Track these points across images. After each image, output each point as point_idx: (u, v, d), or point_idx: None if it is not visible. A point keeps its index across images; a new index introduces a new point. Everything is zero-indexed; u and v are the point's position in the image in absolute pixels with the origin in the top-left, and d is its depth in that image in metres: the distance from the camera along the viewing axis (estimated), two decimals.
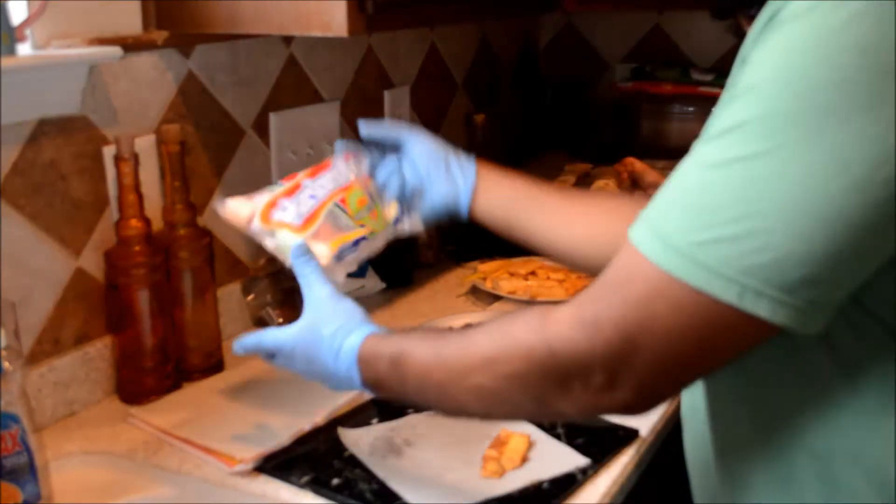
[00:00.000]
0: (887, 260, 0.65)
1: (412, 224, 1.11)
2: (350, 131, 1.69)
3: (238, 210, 1.04)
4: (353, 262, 1.03)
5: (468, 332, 0.81)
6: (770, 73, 0.63)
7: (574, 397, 0.72)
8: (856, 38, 0.60)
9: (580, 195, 1.11)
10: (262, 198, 1.05)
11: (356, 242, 1.02)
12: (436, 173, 1.09)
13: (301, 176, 1.07)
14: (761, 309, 0.63)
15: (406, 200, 1.11)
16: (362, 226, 1.04)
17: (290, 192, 1.04)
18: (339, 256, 1.00)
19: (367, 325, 0.90)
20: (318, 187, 1.04)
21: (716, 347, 0.68)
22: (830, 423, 0.72)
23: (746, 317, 0.64)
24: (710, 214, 0.63)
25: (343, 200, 1.04)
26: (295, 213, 1.01)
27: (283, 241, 1.00)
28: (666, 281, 0.65)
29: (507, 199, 1.09)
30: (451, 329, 0.86)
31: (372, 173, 1.11)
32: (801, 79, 0.61)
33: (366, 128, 1.12)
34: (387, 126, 1.13)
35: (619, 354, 0.68)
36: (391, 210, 1.09)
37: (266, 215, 1.02)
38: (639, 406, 0.72)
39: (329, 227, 1.01)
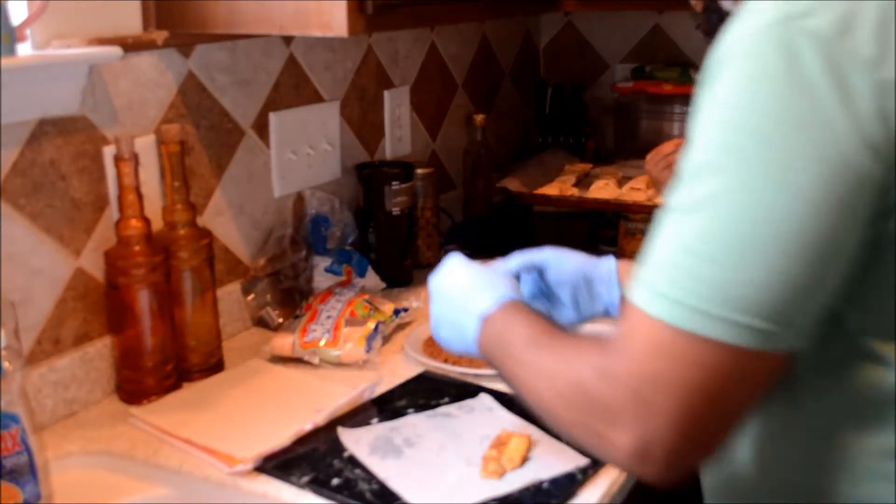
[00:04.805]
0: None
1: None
2: (350, 131, 1.69)
3: (282, 346, 1.34)
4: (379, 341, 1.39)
5: (551, 342, 0.81)
6: (709, 112, 0.65)
7: (617, 444, 0.69)
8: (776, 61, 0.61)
9: None
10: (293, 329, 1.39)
11: (375, 329, 1.37)
12: (580, 294, 1.08)
13: (314, 302, 1.43)
14: (754, 341, 0.63)
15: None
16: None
17: (312, 319, 1.38)
18: (368, 346, 1.34)
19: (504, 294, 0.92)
20: (331, 309, 1.40)
21: (727, 393, 0.66)
22: (836, 469, 0.72)
23: (742, 352, 0.64)
24: (690, 257, 0.64)
25: (352, 313, 1.39)
26: (322, 332, 1.35)
27: (324, 354, 1.32)
28: (658, 327, 0.65)
29: None
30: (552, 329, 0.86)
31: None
32: (733, 110, 0.63)
33: (507, 264, 1.10)
34: (527, 255, 1.10)
35: (636, 411, 0.66)
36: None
37: (302, 341, 1.34)
38: (672, 471, 0.68)
39: (350, 330, 1.36)
